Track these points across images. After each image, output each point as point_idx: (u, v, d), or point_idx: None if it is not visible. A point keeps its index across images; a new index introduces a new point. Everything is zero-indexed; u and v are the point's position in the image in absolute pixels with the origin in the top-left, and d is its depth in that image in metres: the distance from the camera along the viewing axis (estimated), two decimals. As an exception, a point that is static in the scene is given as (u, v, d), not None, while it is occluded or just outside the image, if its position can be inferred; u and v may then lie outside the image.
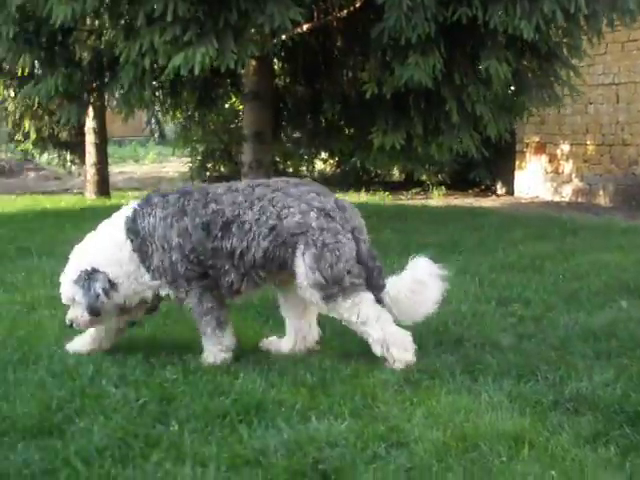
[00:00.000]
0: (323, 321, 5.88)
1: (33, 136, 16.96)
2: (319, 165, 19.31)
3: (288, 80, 12.70)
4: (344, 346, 5.34)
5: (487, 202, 14.96)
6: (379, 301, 5.01)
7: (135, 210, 5.08)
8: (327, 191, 5.20)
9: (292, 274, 5.00)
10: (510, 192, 16.20)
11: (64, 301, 5.16)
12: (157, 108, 14.76)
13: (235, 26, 8.17)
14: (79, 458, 3.63)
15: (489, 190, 16.72)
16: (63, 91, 10.06)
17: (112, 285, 5.01)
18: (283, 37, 10.16)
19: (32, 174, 21.18)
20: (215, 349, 5.06)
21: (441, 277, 5.00)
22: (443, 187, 16.27)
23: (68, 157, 18.45)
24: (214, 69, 8.66)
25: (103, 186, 15.70)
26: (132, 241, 5.02)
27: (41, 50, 10.09)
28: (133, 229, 5.02)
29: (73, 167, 19.04)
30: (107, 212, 5.38)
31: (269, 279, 5.15)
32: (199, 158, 18.67)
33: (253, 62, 10.47)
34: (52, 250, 8.34)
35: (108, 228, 5.16)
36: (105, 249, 5.06)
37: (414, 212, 12.71)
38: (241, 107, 17.03)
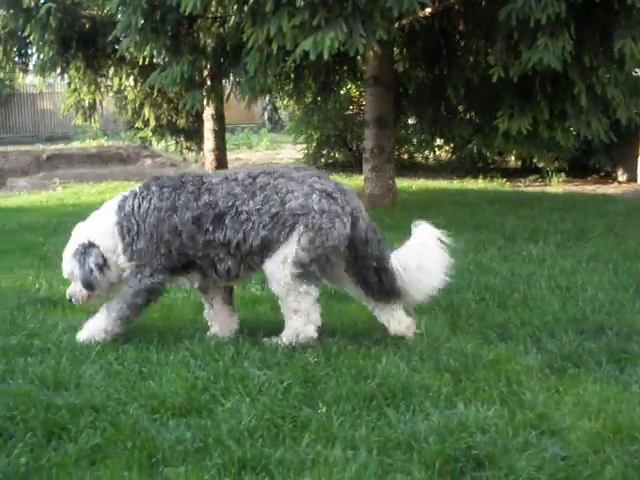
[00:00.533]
0: (458, 304, 5.82)
1: (153, 123, 17.23)
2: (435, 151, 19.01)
3: (408, 65, 12.57)
4: (482, 331, 5.27)
5: (609, 189, 14.51)
6: (384, 269, 5.02)
7: (132, 191, 5.25)
8: (326, 176, 5.33)
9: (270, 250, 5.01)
10: (633, 179, 15.60)
11: (65, 276, 5.38)
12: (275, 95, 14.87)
13: (363, 10, 8.12)
14: (231, 437, 3.68)
15: (609, 177, 16.16)
16: (188, 78, 10.21)
17: (105, 261, 5.16)
18: (404, 21, 10.05)
19: (149, 161, 21.54)
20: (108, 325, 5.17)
21: (443, 243, 5.02)
22: (562, 174, 15.84)
23: (185, 144, 18.70)
24: (335, 54, 8.63)
25: (221, 172, 15.86)
26: (116, 216, 5.16)
27: (167, 39, 10.25)
28: (121, 206, 5.18)
29: (190, 154, 19.31)
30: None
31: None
32: (314, 145, 18.71)
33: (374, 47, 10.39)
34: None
35: (107, 206, 5.34)
36: (99, 222, 5.25)
37: (534, 199, 12.44)
38: (356, 93, 17.03)
